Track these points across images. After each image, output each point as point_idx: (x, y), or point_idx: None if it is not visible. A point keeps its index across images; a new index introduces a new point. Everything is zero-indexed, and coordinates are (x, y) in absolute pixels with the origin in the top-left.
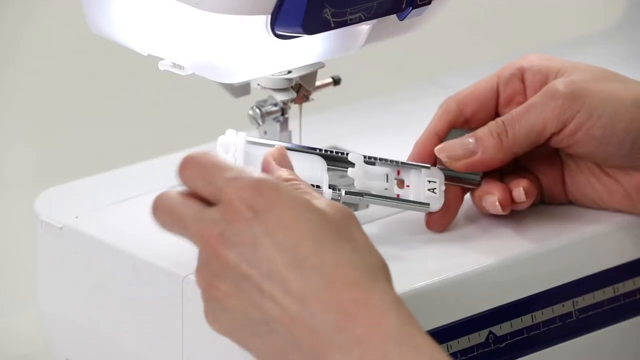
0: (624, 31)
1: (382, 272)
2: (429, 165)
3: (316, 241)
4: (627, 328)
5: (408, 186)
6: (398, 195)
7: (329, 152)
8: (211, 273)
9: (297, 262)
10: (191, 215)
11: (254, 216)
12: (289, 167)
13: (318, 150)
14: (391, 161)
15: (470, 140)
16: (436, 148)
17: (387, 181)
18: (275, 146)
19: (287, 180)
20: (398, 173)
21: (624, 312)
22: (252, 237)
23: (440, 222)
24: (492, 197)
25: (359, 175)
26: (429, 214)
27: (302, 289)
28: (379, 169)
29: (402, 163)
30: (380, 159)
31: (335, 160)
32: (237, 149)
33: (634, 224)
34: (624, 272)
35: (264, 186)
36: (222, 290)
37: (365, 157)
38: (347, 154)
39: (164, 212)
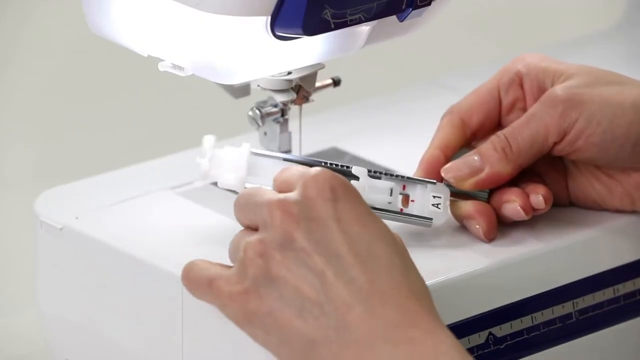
0: (624, 31)
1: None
2: (435, 181)
3: (389, 246)
4: (627, 329)
5: (413, 201)
6: (402, 209)
7: (333, 165)
8: (270, 241)
9: (369, 258)
10: (269, 191)
11: (334, 198)
12: None
13: (323, 163)
14: (397, 176)
15: (475, 157)
16: (442, 169)
17: (391, 195)
18: (280, 158)
19: None
20: (404, 188)
21: (624, 313)
22: (324, 216)
23: (492, 230)
24: (513, 203)
25: (362, 189)
26: (480, 229)
27: (368, 284)
28: (383, 183)
29: (408, 178)
30: (386, 174)
31: (339, 173)
32: (241, 160)
33: (634, 225)
34: (624, 273)
35: (349, 182)
36: (277, 259)
37: (370, 171)
38: (351, 167)
39: (245, 193)
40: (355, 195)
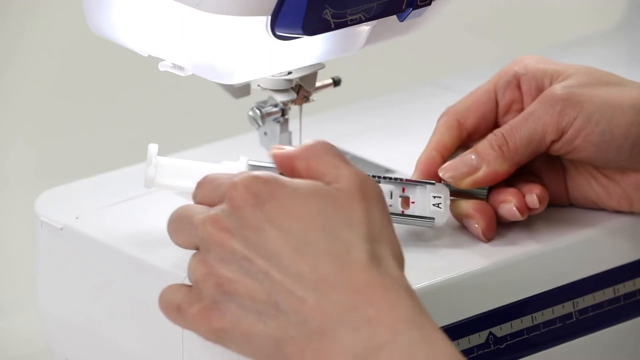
0: (624, 32)
1: (395, 259)
2: (434, 182)
3: (325, 228)
4: (627, 329)
5: (413, 202)
6: (403, 211)
7: None
8: (213, 259)
9: (306, 248)
10: (198, 210)
11: (258, 203)
12: None
13: None
14: (396, 179)
15: (472, 156)
16: (439, 169)
17: (391, 198)
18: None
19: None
20: (403, 190)
21: (624, 313)
22: (256, 221)
23: (490, 229)
24: (509, 204)
25: None
26: (479, 228)
27: (313, 273)
28: (382, 187)
29: (407, 180)
30: (385, 177)
31: None
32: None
33: (634, 225)
34: (624, 273)
35: (268, 177)
36: (225, 274)
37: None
38: None
39: (174, 216)
40: (277, 190)
